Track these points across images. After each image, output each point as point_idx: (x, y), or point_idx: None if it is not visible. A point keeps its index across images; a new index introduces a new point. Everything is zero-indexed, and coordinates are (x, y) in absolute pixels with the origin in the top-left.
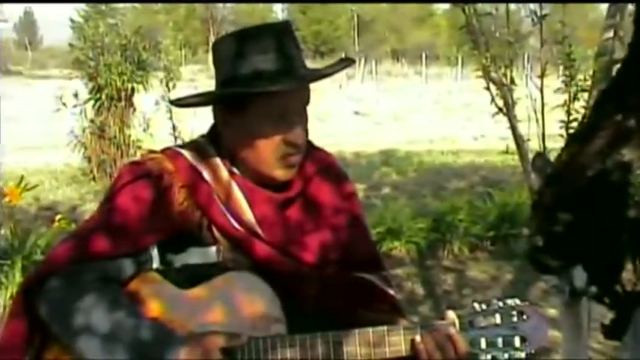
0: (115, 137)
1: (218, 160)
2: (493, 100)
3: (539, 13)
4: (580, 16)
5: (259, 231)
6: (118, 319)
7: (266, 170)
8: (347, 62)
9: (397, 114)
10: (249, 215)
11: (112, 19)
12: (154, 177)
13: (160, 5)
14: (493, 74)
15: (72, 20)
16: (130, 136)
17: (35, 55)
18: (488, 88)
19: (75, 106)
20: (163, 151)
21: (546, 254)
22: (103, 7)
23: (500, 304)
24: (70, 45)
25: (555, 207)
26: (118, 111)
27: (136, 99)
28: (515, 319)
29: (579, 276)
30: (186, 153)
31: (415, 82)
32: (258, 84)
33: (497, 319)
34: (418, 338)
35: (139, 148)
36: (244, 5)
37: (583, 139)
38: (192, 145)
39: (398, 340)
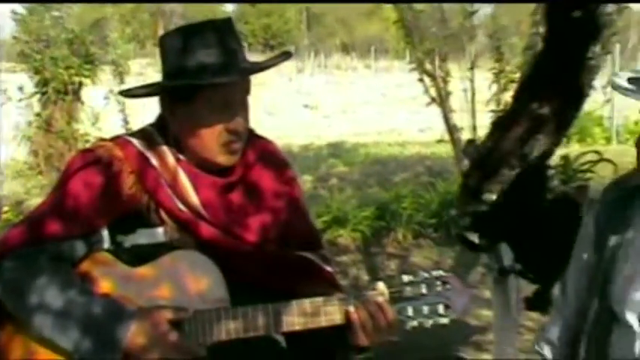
0: (63, 131)
1: (165, 147)
2: (427, 91)
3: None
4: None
5: (204, 213)
6: (70, 296)
7: (210, 156)
8: (285, 55)
9: (346, 107)
10: (194, 198)
11: (57, 12)
12: (103, 163)
13: None
14: (428, 66)
15: (14, 12)
16: (77, 129)
17: None
18: (421, 80)
19: (20, 99)
20: (113, 139)
21: (473, 233)
22: None
23: (426, 275)
24: (14, 37)
25: (480, 189)
26: (65, 105)
27: (84, 93)
28: (439, 288)
29: (507, 254)
30: (134, 141)
31: (364, 75)
32: (203, 76)
33: (424, 289)
34: (351, 308)
35: (87, 142)
36: None
37: (504, 127)
38: (141, 134)
39: (333, 310)
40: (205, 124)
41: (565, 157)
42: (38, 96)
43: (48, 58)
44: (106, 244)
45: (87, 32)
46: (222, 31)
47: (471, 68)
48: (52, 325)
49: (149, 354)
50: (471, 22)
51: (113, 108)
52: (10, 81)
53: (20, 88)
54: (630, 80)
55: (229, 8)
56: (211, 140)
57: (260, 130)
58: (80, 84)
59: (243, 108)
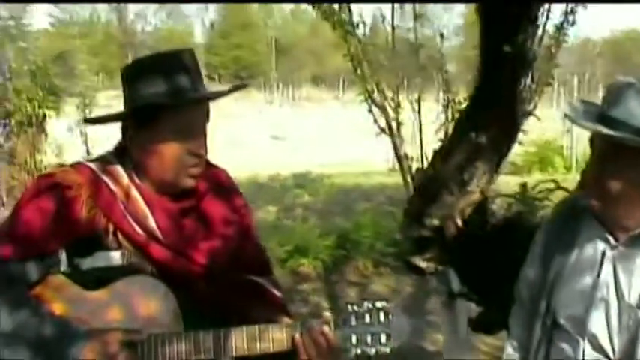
0: (26, 163)
1: (122, 172)
2: (375, 121)
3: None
4: None
5: (159, 235)
6: (21, 317)
7: (170, 179)
8: (240, 85)
9: (313, 138)
10: (150, 221)
11: (23, 43)
12: (60, 188)
13: (76, 30)
14: (377, 97)
15: None
16: (41, 161)
17: None
18: (370, 111)
19: None
20: (72, 165)
21: (418, 257)
22: (13, 30)
23: (370, 305)
24: None
25: (423, 214)
26: (28, 137)
27: (48, 125)
28: (382, 318)
29: (455, 278)
30: (93, 166)
31: (333, 107)
32: (164, 100)
33: (367, 318)
34: (297, 335)
35: None
36: (163, 30)
37: (445, 155)
38: (100, 160)
39: (280, 336)
40: (166, 147)
41: (523, 186)
42: (1, 128)
43: (11, 90)
44: (64, 267)
45: (51, 63)
46: (183, 60)
47: (418, 100)
48: (3, 345)
49: None
50: (418, 55)
51: (77, 140)
52: None
53: None
54: (577, 109)
55: (200, 40)
56: (172, 162)
57: (227, 162)
58: (44, 116)
59: (203, 133)
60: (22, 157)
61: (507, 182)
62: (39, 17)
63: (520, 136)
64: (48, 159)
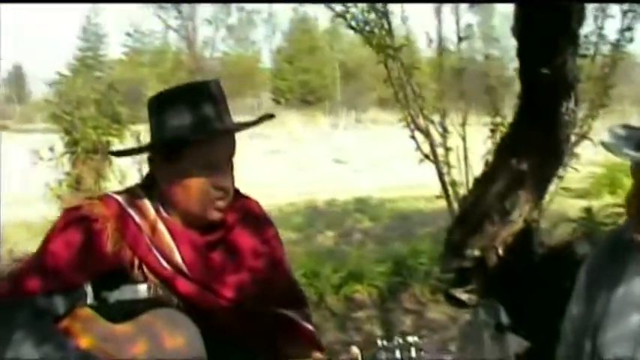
0: (91, 189)
1: (148, 205)
2: (418, 148)
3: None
4: None
5: (185, 269)
6: (46, 351)
7: (196, 212)
8: (266, 117)
9: (377, 161)
10: (175, 255)
11: (99, 72)
12: (87, 222)
13: (146, 58)
14: (421, 123)
15: (60, 74)
16: (105, 187)
17: (23, 109)
18: (413, 137)
19: (50, 159)
20: (100, 197)
21: (458, 289)
22: (90, 60)
23: (401, 340)
24: (46, 100)
25: (463, 245)
26: (93, 164)
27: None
28: (414, 354)
29: (503, 310)
30: (119, 198)
31: (399, 130)
32: (189, 134)
33: (397, 354)
34: None
35: None
36: (232, 56)
37: (486, 183)
38: (127, 192)
39: None
40: (192, 180)
41: (588, 210)
42: (68, 155)
43: (77, 118)
44: (90, 300)
45: (114, 91)
46: (208, 91)
47: (463, 125)
48: None
49: None
50: (462, 79)
51: (140, 166)
52: (49, 141)
53: (51, 149)
54: (618, 135)
55: (267, 65)
56: (198, 195)
57: (287, 185)
58: (108, 143)
59: (229, 166)
60: (87, 184)
61: (572, 205)
62: (113, 47)
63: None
64: (112, 185)
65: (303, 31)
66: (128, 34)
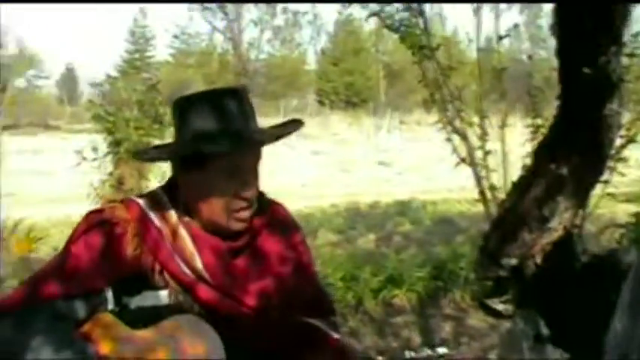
0: (132, 189)
1: (171, 210)
2: (454, 150)
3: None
4: None
5: (206, 276)
6: (66, 358)
7: (218, 221)
8: (295, 125)
9: (420, 164)
10: (197, 261)
11: (146, 74)
12: (108, 225)
13: (193, 59)
14: (458, 125)
15: (108, 76)
16: (147, 187)
17: (74, 110)
18: (449, 140)
19: (94, 159)
20: (123, 200)
21: (494, 299)
22: (137, 62)
23: (429, 351)
24: (90, 101)
25: (500, 253)
26: (135, 164)
27: None
28: None
29: (543, 321)
30: (141, 202)
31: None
32: (211, 145)
33: None
34: None
35: None
36: (277, 58)
37: (523, 187)
38: (149, 195)
39: None
40: (215, 190)
41: (637, 215)
42: (111, 156)
43: (120, 119)
44: (111, 305)
45: (156, 92)
46: (235, 98)
47: (502, 127)
48: None
49: None
50: (502, 79)
51: None
52: (89, 142)
53: (94, 149)
54: None
55: (312, 67)
56: (220, 207)
57: (330, 187)
58: (149, 144)
59: (253, 175)
60: (129, 184)
61: (621, 210)
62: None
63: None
64: (152, 185)
65: (348, 32)
66: (175, 36)
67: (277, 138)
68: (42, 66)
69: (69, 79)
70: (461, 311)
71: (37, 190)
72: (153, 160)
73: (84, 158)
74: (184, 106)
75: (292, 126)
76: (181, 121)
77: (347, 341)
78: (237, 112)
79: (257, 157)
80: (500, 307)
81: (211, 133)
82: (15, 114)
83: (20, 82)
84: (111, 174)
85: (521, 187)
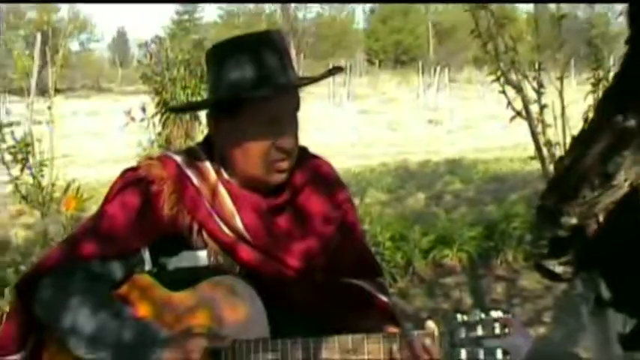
0: (180, 148)
1: (209, 166)
2: (509, 104)
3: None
4: None
5: (247, 236)
6: (102, 318)
7: (256, 174)
8: (335, 70)
9: (470, 122)
10: (237, 220)
11: (196, 35)
12: (144, 183)
13: (240, 20)
14: (513, 77)
15: (157, 36)
16: None
17: (126, 72)
18: (503, 92)
19: (142, 120)
20: (159, 157)
21: (552, 260)
22: (187, 24)
23: (483, 315)
24: (138, 61)
25: (558, 212)
26: (183, 124)
27: (202, 112)
28: (497, 331)
29: (604, 284)
30: (178, 159)
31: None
32: (247, 90)
33: (479, 330)
34: (395, 347)
35: None
36: (325, 17)
37: (585, 142)
38: (186, 152)
39: (376, 348)
40: (251, 140)
41: None
42: (159, 116)
43: (167, 79)
44: (148, 266)
45: (202, 52)
46: (268, 44)
47: (560, 78)
48: (85, 346)
49: None
50: (560, 28)
51: None
52: (139, 103)
53: (143, 109)
54: None
55: (360, 26)
56: (258, 157)
57: (380, 146)
58: None
59: (292, 124)
60: (176, 144)
61: None
62: (209, 10)
63: None
64: None
65: None
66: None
67: (314, 81)
68: (94, 29)
69: (120, 42)
70: (513, 272)
71: (90, 151)
72: (191, 108)
73: (132, 119)
74: (218, 54)
75: (330, 70)
76: (216, 70)
77: (399, 302)
78: (276, 56)
79: (295, 105)
80: (558, 269)
81: (247, 79)
82: (69, 77)
83: (74, 46)
84: (159, 134)
85: (582, 141)
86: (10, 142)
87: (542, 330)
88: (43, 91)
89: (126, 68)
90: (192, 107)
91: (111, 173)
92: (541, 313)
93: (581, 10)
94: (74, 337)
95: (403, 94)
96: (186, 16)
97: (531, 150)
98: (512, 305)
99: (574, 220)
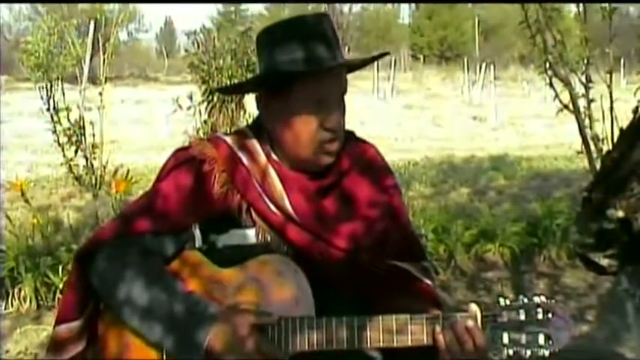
0: None
1: (258, 147)
2: (556, 96)
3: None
4: None
5: (294, 216)
6: (155, 292)
7: (304, 155)
8: (381, 54)
9: (515, 119)
10: (286, 202)
11: (242, 27)
12: (196, 162)
13: (286, 12)
14: (561, 71)
15: (204, 26)
16: None
17: (172, 62)
18: (551, 85)
19: (189, 108)
20: (210, 138)
21: (597, 253)
22: (233, 15)
23: (526, 300)
24: (186, 50)
25: (605, 205)
26: (228, 112)
27: (246, 100)
28: (540, 316)
29: None
30: (229, 140)
31: (540, 87)
32: (301, 67)
33: (522, 315)
34: (438, 329)
35: None
36: (370, 11)
37: (633, 136)
38: (236, 133)
39: (419, 329)
40: (300, 119)
41: None
42: (205, 104)
43: (214, 68)
44: (198, 243)
45: (248, 41)
46: (320, 26)
47: (609, 72)
48: (139, 319)
49: (229, 356)
50: (611, 23)
51: None
52: (185, 91)
53: (190, 97)
54: None
55: (405, 21)
56: (306, 137)
57: (424, 141)
58: None
59: (339, 106)
60: (222, 132)
61: None
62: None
63: None
64: None
65: None
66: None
67: (363, 63)
68: (142, 20)
69: (167, 33)
70: (556, 269)
71: (137, 138)
72: (240, 88)
73: (179, 106)
74: (268, 37)
75: (377, 56)
76: (266, 52)
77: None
78: (323, 38)
79: (343, 88)
80: (603, 261)
81: (297, 59)
82: (117, 66)
83: (122, 36)
84: (205, 122)
85: (631, 135)
86: (65, 124)
87: (585, 329)
88: (93, 79)
89: (172, 58)
90: (241, 87)
91: (156, 160)
92: (584, 311)
93: (633, 6)
94: (128, 308)
95: (447, 90)
96: (232, 7)
97: (576, 147)
98: (555, 302)
99: (620, 213)
